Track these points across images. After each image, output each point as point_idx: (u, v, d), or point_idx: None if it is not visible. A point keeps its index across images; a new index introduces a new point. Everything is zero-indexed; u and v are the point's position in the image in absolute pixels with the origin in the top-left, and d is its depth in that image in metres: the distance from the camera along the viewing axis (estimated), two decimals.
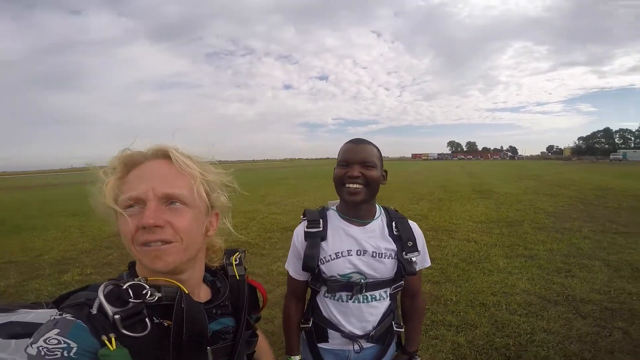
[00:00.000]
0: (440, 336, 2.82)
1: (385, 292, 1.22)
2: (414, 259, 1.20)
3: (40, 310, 0.67)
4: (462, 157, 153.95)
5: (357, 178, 1.11)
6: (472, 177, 21.05)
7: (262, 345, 0.97)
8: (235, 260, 0.85)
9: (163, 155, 0.67)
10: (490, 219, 7.51)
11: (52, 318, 0.55)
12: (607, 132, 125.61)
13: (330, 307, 1.23)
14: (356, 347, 1.22)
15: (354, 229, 1.20)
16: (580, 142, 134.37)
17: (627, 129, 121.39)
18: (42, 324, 0.55)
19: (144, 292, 0.60)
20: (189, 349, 0.61)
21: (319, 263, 1.18)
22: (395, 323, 1.29)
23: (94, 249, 6.10)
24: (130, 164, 0.66)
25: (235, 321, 0.77)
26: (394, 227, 1.22)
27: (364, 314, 1.21)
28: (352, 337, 1.21)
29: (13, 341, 0.60)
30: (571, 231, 6.20)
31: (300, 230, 1.25)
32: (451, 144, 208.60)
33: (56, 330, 0.51)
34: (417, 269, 1.22)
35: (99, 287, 0.58)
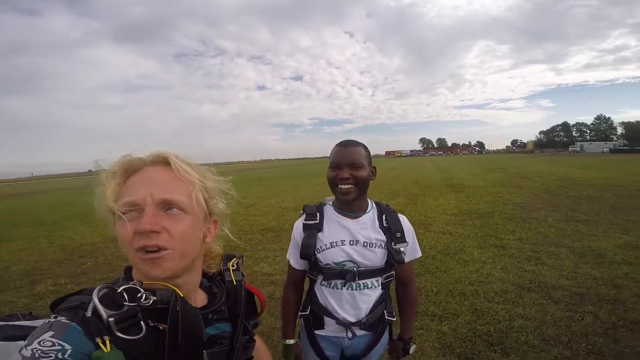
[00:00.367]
0: (426, 326, 2.93)
1: (377, 280, 1.32)
2: (402, 249, 1.29)
3: (21, 323, 0.67)
4: (434, 153, 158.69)
5: (348, 179, 1.22)
6: (443, 172, 21.71)
7: (261, 350, 0.98)
8: (233, 266, 0.85)
9: (163, 161, 0.67)
10: (463, 212, 7.81)
11: (47, 321, 0.54)
12: (565, 126, 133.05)
13: (326, 294, 1.33)
14: (349, 334, 1.32)
15: (347, 222, 1.31)
16: (542, 135, 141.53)
17: (583, 123, 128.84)
18: (36, 327, 0.54)
19: (139, 295, 0.60)
20: (185, 352, 0.62)
21: (316, 252, 1.29)
22: (387, 312, 1.37)
23: (65, 259, 5.83)
24: (130, 169, 0.66)
25: (232, 326, 0.78)
26: (384, 220, 1.33)
27: (357, 301, 1.31)
28: (345, 324, 1.31)
29: (8, 343, 0.59)
30: (537, 220, 6.56)
31: (299, 223, 1.36)
32: (423, 140, 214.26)
33: (51, 333, 0.51)
34: (407, 259, 1.33)
35: (94, 291, 0.58)
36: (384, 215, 1.33)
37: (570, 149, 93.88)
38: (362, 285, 1.30)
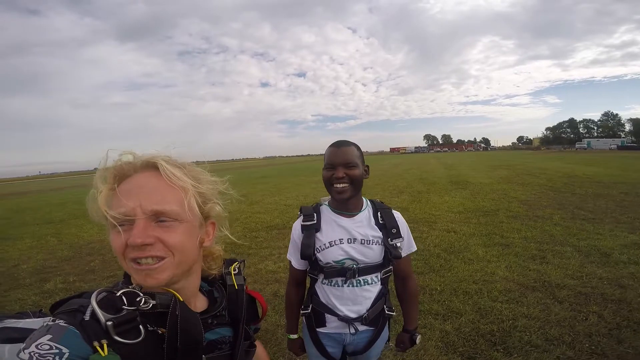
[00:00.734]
0: (429, 325, 2.94)
1: (377, 276, 1.37)
2: (398, 244, 1.35)
3: (28, 320, 0.66)
4: (438, 149, 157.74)
5: (343, 178, 1.26)
6: (448, 169, 21.61)
7: (261, 355, 0.98)
8: (234, 270, 0.84)
9: (153, 166, 0.64)
10: (468, 209, 7.78)
11: (45, 324, 0.54)
12: (571, 122, 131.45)
13: (327, 292, 1.37)
14: (352, 329, 1.36)
15: (344, 220, 1.35)
16: (548, 132, 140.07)
17: (590, 119, 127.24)
18: (36, 329, 0.54)
19: (138, 299, 0.60)
20: (184, 356, 0.61)
21: (315, 252, 1.33)
22: (387, 307, 1.42)
23: (74, 257, 5.92)
24: (120, 176, 0.64)
25: (234, 331, 0.77)
26: (379, 217, 1.37)
27: (358, 297, 1.35)
28: (347, 320, 1.36)
29: (7, 346, 0.59)
30: (543, 219, 6.52)
31: (297, 224, 1.40)
32: (427, 137, 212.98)
33: (48, 336, 0.51)
34: (403, 254, 1.38)
35: (92, 294, 0.58)
36: (378, 213, 1.38)
37: (577, 145, 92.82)
38: (362, 281, 1.34)
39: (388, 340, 1.51)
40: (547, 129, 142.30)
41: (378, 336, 1.42)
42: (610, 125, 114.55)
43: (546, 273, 3.88)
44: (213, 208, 0.72)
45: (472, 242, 5.29)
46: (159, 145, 0.70)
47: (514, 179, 13.81)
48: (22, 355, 0.49)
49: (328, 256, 1.32)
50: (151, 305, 0.61)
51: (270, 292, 3.78)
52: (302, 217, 1.39)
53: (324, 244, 1.32)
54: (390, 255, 1.32)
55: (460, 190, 11.03)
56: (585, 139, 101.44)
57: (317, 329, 1.41)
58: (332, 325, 1.39)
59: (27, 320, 0.66)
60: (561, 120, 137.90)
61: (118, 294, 0.59)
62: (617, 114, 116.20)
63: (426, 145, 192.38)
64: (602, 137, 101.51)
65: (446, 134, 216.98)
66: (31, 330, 0.57)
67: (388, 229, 1.34)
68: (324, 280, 1.37)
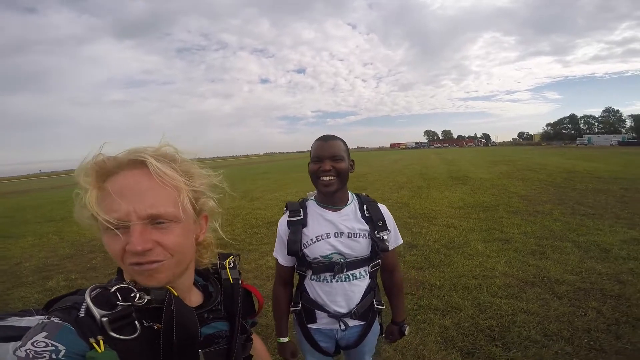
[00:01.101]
0: (428, 320, 2.95)
1: (365, 270, 1.38)
2: (385, 237, 1.36)
3: (31, 318, 0.66)
4: (439, 145, 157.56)
5: (329, 171, 1.27)
6: (448, 165, 21.57)
7: (259, 349, 0.97)
8: (229, 264, 0.83)
9: (141, 164, 0.61)
10: (468, 204, 7.77)
11: (40, 322, 0.54)
12: (572, 118, 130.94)
13: (316, 288, 1.37)
14: (342, 325, 1.37)
15: (330, 214, 1.36)
16: (549, 128, 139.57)
17: (590, 115, 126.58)
18: (31, 327, 0.54)
19: (132, 295, 0.59)
20: (180, 351, 0.61)
21: (302, 247, 1.33)
22: (376, 301, 1.43)
23: (75, 254, 5.94)
24: (103, 173, 0.60)
25: (230, 325, 0.76)
26: (365, 210, 1.38)
27: (347, 292, 1.36)
28: (337, 316, 1.36)
29: (11, 344, 0.59)
30: (543, 214, 6.52)
31: (283, 220, 1.40)
32: (428, 132, 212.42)
33: (44, 334, 0.51)
34: (390, 247, 1.40)
35: (86, 291, 0.58)
36: (364, 206, 1.39)
37: (577, 141, 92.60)
38: (350, 276, 1.35)
39: (381, 334, 1.52)
40: (548, 124, 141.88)
41: (368, 330, 1.42)
42: (611, 121, 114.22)
43: (545, 268, 3.89)
44: (206, 203, 0.71)
45: (472, 237, 5.29)
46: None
47: (514, 174, 13.79)
48: (18, 352, 0.50)
49: (315, 251, 1.32)
50: (146, 300, 0.60)
51: (271, 288, 3.77)
52: (288, 212, 1.39)
53: (311, 239, 1.32)
54: (378, 248, 1.33)
55: (460, 186, 11.02)
56: (586, 135, 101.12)
57: (308, 325, 1.41)
58: (322, 322, 1.40)
59: (31, 318, 0.66)
60: (562, 116, 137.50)
61: (112, 290, 0.59)
62: (618, 110, 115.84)
63: (426, 140, 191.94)
64: (603, 133, 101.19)
65: (446, 129, 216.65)
66: (26, 329, 0.56)
67: (374, 221, 1.35)
68: (313, 277, 1.37)
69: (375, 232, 1.34)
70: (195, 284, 0.77)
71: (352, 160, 1.38)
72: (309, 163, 1.34)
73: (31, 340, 0.50)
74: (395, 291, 1.53)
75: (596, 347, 2.47)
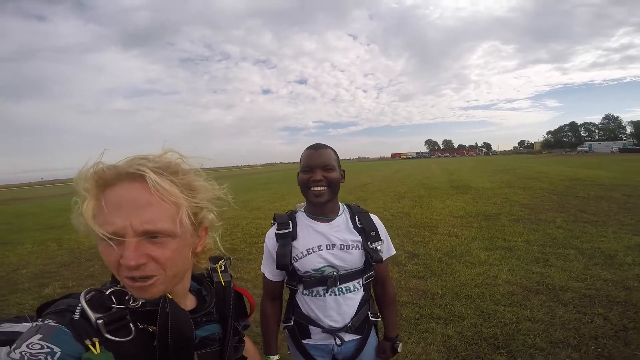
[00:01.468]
0: (430, 329, 2.89)
1: (359, 282, 1.32)
2: (379, 247, 1.31)
3: (26, 324, 0.65)
4: (440, 155, 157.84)
5: (320, 181, 1.23)
6: (450, 174, 21.55)
7: (251, 351, 0.97)
8: (221, 267, 0.84)
9: (141, 177, 0.59)
10: (469, 213, 7.72)
11: (34, 325, 0.54)
12: (572, 126, 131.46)
13: (309, 303, 1.31)
14: (338, 341, 1.30)
15: (321, 226, 1.30)
16: (549, 136, 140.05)
17: (591, 122, 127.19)
18: (23, 332, 0.54)
19: (127, 297, 0.60)
20: (176, 354, 0.61)
21: (292, 261, 1.27)
22: (371, 313, 1.37)
23: (73, 262, 5.91)
24: (102, 184, 0.59)
25: (222, 328, 0.77)
26: (357, 221, 1.33)
27: (341, 306, 1.29)
28: (332, 331, 1.29)
29: (4, 349, 0.58)
30: (545, 222, 6.46)
31: (271, 233, 1.33)
32: (428, 142, 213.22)
33: (39, 336, 0.51)
34: (384, 257, 1.34)
35: (81, 294, 0.58)
36: (356, 216, 1.34)
37: (578, 149, 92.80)
38: (344, 289, 1.29)
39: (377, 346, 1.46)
40: (548, 132, 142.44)
41: (365, 343, 1.36)
42: (611, 128, 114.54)
43: (549, 276, 3.83)
44: (206, 216, 0.70)
45: (474, 245, 5.24)
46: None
47: (516, 183, 13.75)
48: (13, 355, 0.49)
49: (306, 265, 1.26)
50: (140, 303, 0.61)
51: None
52: (276, 225, 1.32)
53: (302, 252, 1.26)
54: (372, 259, 1.28)
55: (461, 195, 10.98)
56: (586, 142, 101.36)
57: (303, 341, 1.35)
58: (317, 337, 1.33)
59: (25, 324, 0.65)
60: (562, 124, 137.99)
61: (107, 293, 0.59)
62: (617, 117, 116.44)
63: (427, 150, 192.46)
64: (603, 140, 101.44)
65: (447, 139, 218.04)
66: (18, 334, 0.56)
67: (367, 232, 1.31)
68: (305, 291, 1.30)
69: (368, 242, 1.29)
70: (190, 288, 0.77)
71: (343, 170, 1.34)
72: (298, 173, 1.30)
73: (26, 343, 0.50)
74: (387, 304, 1.47)
75: (604, 354, 2.41)
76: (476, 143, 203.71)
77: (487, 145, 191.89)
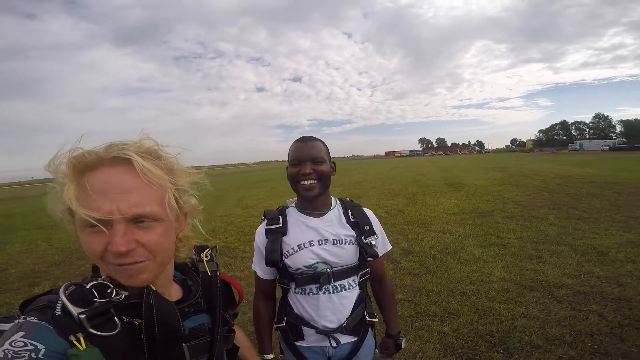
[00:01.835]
0: (426, 327, 2.87)
1: (354, 280, 1.26)
2: (374, 242, 1.26)
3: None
4: (433, 153, 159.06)
5: (310, 174, 1.18)
6: (443, 172, 21.66)
7: (242, 340, 0.96)
8: (206, 257, 0.82)
9: (125, 161, 0.58)
10: (463, 211, 7.75)
11: (16, 322, 0.52)
12: (564, 124, 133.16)
13: (302, 302, 1.25)
14: (333, 342, 1.24)
15: (313, 221, 1.25)
16: (541, 134, 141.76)
17: (581, 121, 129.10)
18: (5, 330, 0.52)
19: (109, 291, 0.58)
20: (164, 346, 0.60)
21: (283, 257, 1.21)
22: (367, 313, 1.31)
23: (64, 261, 5.81)
24: (81, 168, 0.57)
25: (211, 318, 0.75)
26: (350, 215, 1.28)
27: (335, 305, 1.23)
28: (326, 332, 1.23)
29: None
30: (538, 219, 6.50)
31: (261, 229, 1.29)
32: (422, 140, 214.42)
33: (21, 333, 0.49)
34: (380, 253, 1.30)
35: (60, 289, 0.56)
36: (349, 210, 1.29)
37: (569, 147, 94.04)
38: (339, 287, 1.23)
39: (376, 348, 1.41)
40: (540, 131, 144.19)
41: (360, 344, 1.29)
42: (601, 126, 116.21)
43: (543, 272, 3.84)
44: (188, 201, 0.69)
45: (468, 242, 5.25)
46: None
47: (509, 180, 13.85)
48: None
49: (298, 261, 1.20)
50: (123, 296, 0.59)
51: None
52: (265, 221, 1.28)
53: (292, 248, 1.21)
54: (366, 254, 1.23)
55: (455, 192, 11.03)
56: (577, 141, 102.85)
57: (296, 343, 1.27)
58: (310, 339, 1.26)
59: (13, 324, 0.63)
60: (554, 123, 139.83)
61: (88, 287, 0.57)
62: (608, 116, 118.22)
63: (421, 148, 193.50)
64: (594, 139, 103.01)
65: (441, 137, 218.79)
66: (1, 332, 0.53)
67: (361, 226, 1.26)
68: (297, 290, 1.24)
69: (362, 237, 1.24)
70: (174, 278, 0.76)
71: (334, 163, 1.29)
72: (287, 167, 1.25)
73: (9, 340, 0.48)
74: (386, 301, 1.42)
75: (600, 351, 2.41)
76: (469, 141, 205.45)
77: (479, 144, 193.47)
